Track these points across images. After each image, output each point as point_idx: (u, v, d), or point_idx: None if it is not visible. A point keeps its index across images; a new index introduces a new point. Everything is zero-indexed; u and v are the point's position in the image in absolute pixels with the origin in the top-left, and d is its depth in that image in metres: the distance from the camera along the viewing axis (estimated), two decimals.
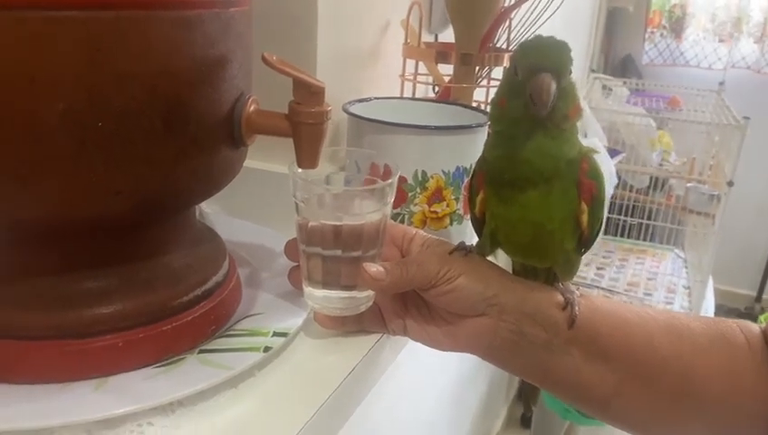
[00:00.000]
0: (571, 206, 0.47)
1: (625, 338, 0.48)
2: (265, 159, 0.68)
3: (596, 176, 0.47)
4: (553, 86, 0.42)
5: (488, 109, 0.49)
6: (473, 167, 0.52)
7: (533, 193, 0.46)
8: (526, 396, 0.61)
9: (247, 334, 0.48)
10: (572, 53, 0.45)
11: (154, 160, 0.41)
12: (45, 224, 0.41)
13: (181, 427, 0.41)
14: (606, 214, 1.82)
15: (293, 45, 0.65)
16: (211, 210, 0.70)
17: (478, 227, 0.52)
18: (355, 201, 0.48)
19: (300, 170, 0.48)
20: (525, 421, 2.18)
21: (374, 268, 0.48)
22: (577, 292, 0.50)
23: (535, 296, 0.49)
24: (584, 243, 0.49)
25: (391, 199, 0.49)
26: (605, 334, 0.48)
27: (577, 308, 0.48)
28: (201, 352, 0.46)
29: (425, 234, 0.53)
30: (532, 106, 0.43)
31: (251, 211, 0.67)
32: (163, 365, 0.44)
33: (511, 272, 0.54)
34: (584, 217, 0.47)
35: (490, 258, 0.52)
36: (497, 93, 0.47)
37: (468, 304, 0.49)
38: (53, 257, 0.43)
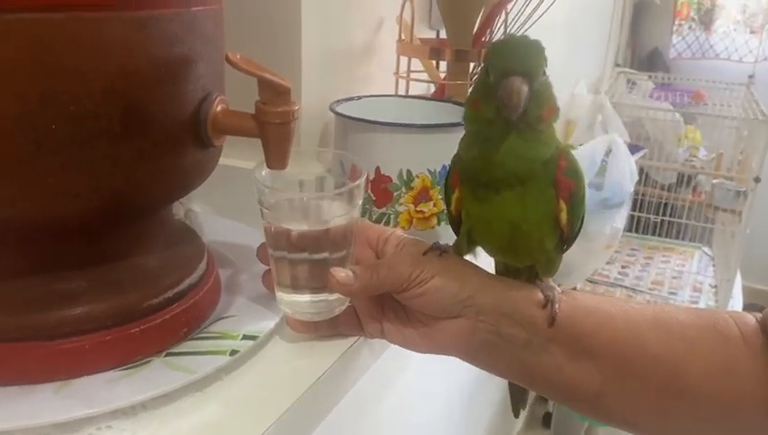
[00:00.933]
0: (548, 206, 0.46)
1: (610, 335, 0.47)
2: (256, 159, 0.67)
3: (574, 173, 0.46)
4: (525, 89, 0.41)
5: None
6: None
7: (509, 194, 0.45)
8: (515, 398, 0.60)
9: (217, 337, 0.48)
10: (547, 53, 0.43)
11: (113, 162, 0.41)
12: (4, 227, 0.41)
13: (141, 430, 0.41)
14: (628, 211, 1.78)
15: (277, 44, 0.65)
16: (201, 210, 0.70)
17: (455, 225, 0.51)
18: (322, 206, 0.48)
19: (264, 173, 0.47)
20: (546, 421, 2.15)
21: (342, 273, 0.47)
22: (558, 289, 0.48)
23: (513, 295, 0.48)
24: (565, 241, 0.48)
25: (359, 201, 0.48)
26: (588, 332, 0.47)
27: (557, 306, 0.47)
28: (168, 355, 0.46)
29: (400, 234, 0.52)
30: (503, 109, 0.42)
31: (239, 210, 0.66)
32: (128, 368, 0.44)
33: (494, 270, 0.53)
34: (563, 216, 0.46)
35: (470, 257, 0.51)
36: (471, 94, 0.46)
37: (442, 306, 0.47)
38: (18, 260, 0.43)
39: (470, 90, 0.46)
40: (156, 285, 0.47)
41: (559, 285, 0.49)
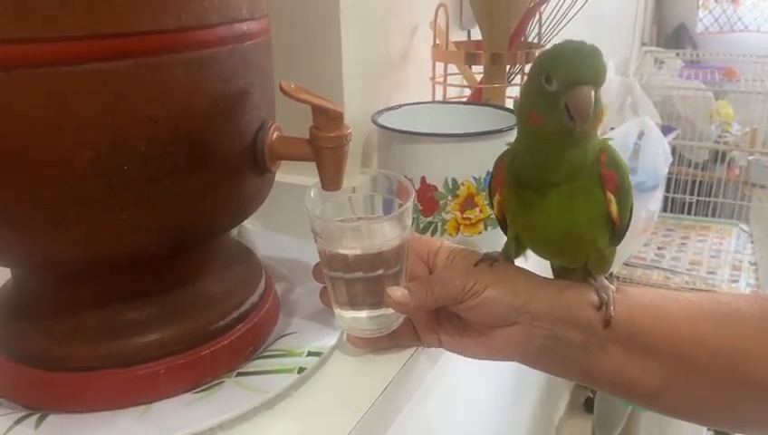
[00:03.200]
0: (597, 204, 0.46)
1: (668, 331, 0.47)
2: (301, 173, 0.69)
3: (615, 165, 0.46)
4: (593, 98, 0.41)
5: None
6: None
7: (555, 197, 0.45)
8: None
9: (283, 355, 0.50)
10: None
11: (181, 196, 0.43)
12: (82, 263, 0.43)
13: None
14: (663, 193, 1.76)
15: (318, 61, 0.66)
16: (252, 225, 0.72)
17: (503, 226, 0.52)
18: (374, 229, 0.49)
19: (313, 196, 0.49)
20: (589, 406, 2.15)
21: (398, 292, 0.48)
22: (612, 287, 0.48)
23: (567, 298, 0.48)
24: (617, 234, 0.48)
25: (410, 221, 0.49)
26: (646, 330, 0.47)
27: (612, 307, 0.47)
28: (239, 375, 0.48)
29: (450, 244, 0.53)
30: (568, 120, 0.41)
31: (289, 224, 0.68)
32: (202, 390, 0.46)
33: (549, 270, 0.53)
34: (613, 208, 0.46)
35: (521, 260, 0.52)
36: (526, 105, 0.45)
37: (498, 316, 0.48)
38: (94, 292, 0.46)
39: (521, 101, 0.45)
40: (221, 308, 0.49)
41: (613, 282, 0.49)
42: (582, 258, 0.49)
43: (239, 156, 0.46)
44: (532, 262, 0.53)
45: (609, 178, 0.45)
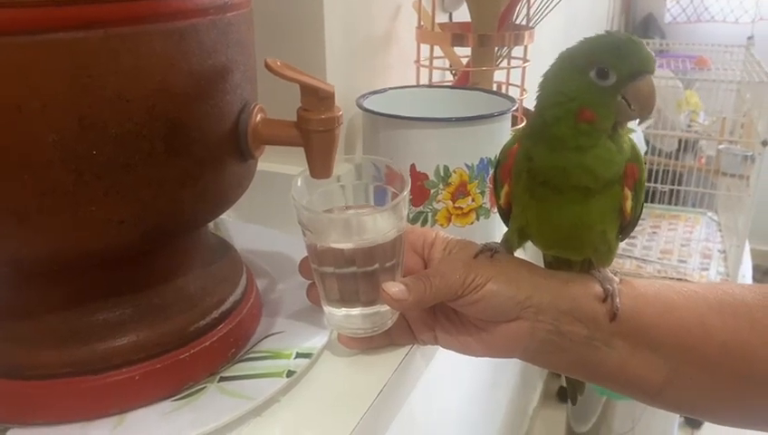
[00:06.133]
0: (614, 200, 0.44)
1: (673, 324, 0.45)
2: (281, 161, 0.65)
3: (637, 157, 0.44)
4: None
5: (532, 104, 0.45)
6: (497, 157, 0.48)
7: (574, 194, 0.43)
8: (572, 388, 0.59)
9: (269, 357, 0.46)
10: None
11: (158, 185, 0.39)
12: (47, 260, 0.38)
13: None
14: (645, 184, 1.76)
15: (300, 41, 0.62)
16: (227, 216, 0.67)
17: (505, 217, 0.49)
18: (367, 221, 0.45)
19: (300, 185, 0.45)
20: (562, 396, 2.16)
21: (395, 288, 0.44)
22: (617, 279, 0.46)
23: (571, 291, 0.46)
24: (625, 228, 0.47)
25: (406, 211, 0.45)
26: (652, 323, 0.45)
27: (618, 300, 0.45)
28: (222, 379, 0.44)
29: (445, 235, 0.50)
30: (629, 112, 0.40)
31: (268, 216, 0.64)
32: (182, 398, 0.42)
33: (543, 262, 0.51)
34: (628, 204, 0.44)
35: (520, 251, 0.49)
36: (571, 103, 0.41)
37: (500, 311, 0.45)
38: (62, 291, 0.41)
39: (560, 99, 0.42)
40: (200, 307, 0.45)
41: (615, 274, 0.47)
42: (589, 251, 0.47)
43: (221, 139, 0.41)
44: (529, 253, 0.50)
45: (630, 173, 0.43)
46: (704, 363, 0.45)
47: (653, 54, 0.40)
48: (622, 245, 1.96)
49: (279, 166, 0.64)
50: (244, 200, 0.49)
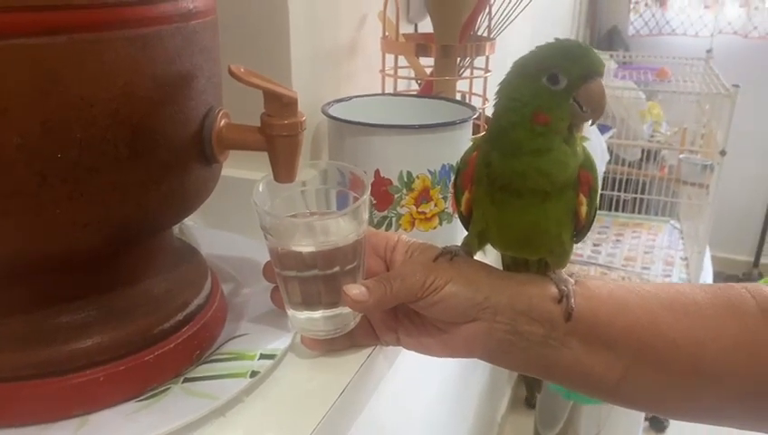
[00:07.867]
0: (569, 204, 0.46)
1: (627, 323, 0.46)
2: (247, 167, 0.65)
3: (591, 166, 0.46)
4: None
5: (488, 108, 0.47)
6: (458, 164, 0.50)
7: (531, 198, 0.45)
8: (529, 384, 0.61)
9: (233, 358, 0.46)
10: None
11: (122, 188, 0.39)
12: (10, 262, 0.39)
13: None
14: (599, 191, 1.80)
15: (267, 48, 0.63)
16: (193, 222, 0.68)
17: (466, 222, 0.51)
18: (329, 225, 0.46)
19: (261, 190, 0.46)
20: (530, 402, 2.18)
21: (355, 290, 0.45)
22: (571, 280, 0.48)
23: (528, 292, 0.47)
24: (580, 231, 0.48)
25: (366, 215, 0.46)
26: (605, 322, 0.46)
27: (573, 300, 0.46)
28: (186, 380, 0.44)
29: (407, 239, 0.51)
30: (580, 115, 0.41)
31: (234, 221, 0.65)
32: (146, 399, 0.43)
33: (501, 264, 0.52)
34: (583, 209, 0.46)
35: (480, 254, 0.50)
36: (525, 107, 0.42)
37: (459, 312, 0.47)
38: (25, 293, 0.41)
39: (509, 106, 0.43)
40: (165, 309, 0.46)
41: (571, 275, 0.49)
42: (545, 252, 0.49)
43: (185, 144, 0.42)
44: (491, 256, 0.51)
45: (585, 181, 0.45)
46: (656, 360, 0.46)
47: (601, 58, 0.42)
48: (587, 252, 2.00)
49: (244, 172, 0.65)
50: (209, 206, 0.50)
